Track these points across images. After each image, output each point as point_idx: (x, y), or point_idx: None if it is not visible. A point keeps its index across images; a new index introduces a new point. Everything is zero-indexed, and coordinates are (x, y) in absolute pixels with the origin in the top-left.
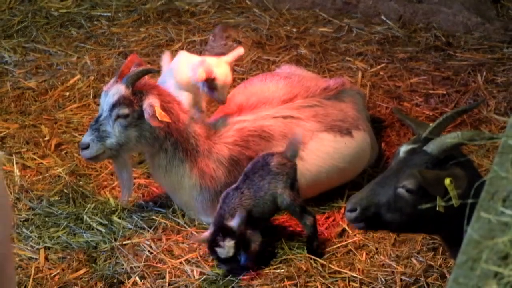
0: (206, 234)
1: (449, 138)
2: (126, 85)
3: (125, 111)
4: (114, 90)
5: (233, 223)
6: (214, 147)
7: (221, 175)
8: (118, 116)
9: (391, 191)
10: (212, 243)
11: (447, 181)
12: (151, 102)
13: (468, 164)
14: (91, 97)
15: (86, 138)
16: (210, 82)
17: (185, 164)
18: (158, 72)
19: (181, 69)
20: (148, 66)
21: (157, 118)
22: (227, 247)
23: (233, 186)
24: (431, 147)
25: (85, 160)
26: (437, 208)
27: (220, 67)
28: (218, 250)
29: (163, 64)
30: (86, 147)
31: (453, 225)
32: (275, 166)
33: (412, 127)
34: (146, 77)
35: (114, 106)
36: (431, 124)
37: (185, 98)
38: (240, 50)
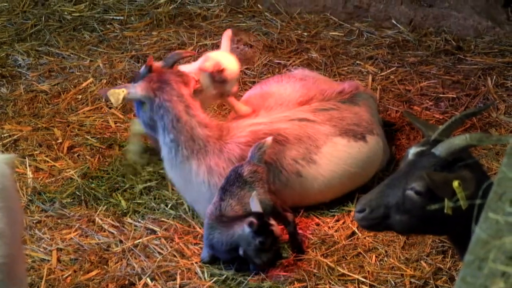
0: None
1: (457, 140)
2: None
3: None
4: None
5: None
6: (225, 146)
7: None
8: None
9: (400, 193)
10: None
11: (455, 183)
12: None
13: (476, 166)
14: (104, 100)
15: None
16: (218, 74)
17: (191, 161)
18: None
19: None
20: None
21: None
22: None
23: (214, 200)
24: (440, 150)
25: None
26: (445, 211)
27: (225, 58)
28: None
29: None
30: None
31: (461, 226)
32: (249, 176)
33: (421, 129)
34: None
35: None
36: (440, 127)
37: None
38: (227, 33)
